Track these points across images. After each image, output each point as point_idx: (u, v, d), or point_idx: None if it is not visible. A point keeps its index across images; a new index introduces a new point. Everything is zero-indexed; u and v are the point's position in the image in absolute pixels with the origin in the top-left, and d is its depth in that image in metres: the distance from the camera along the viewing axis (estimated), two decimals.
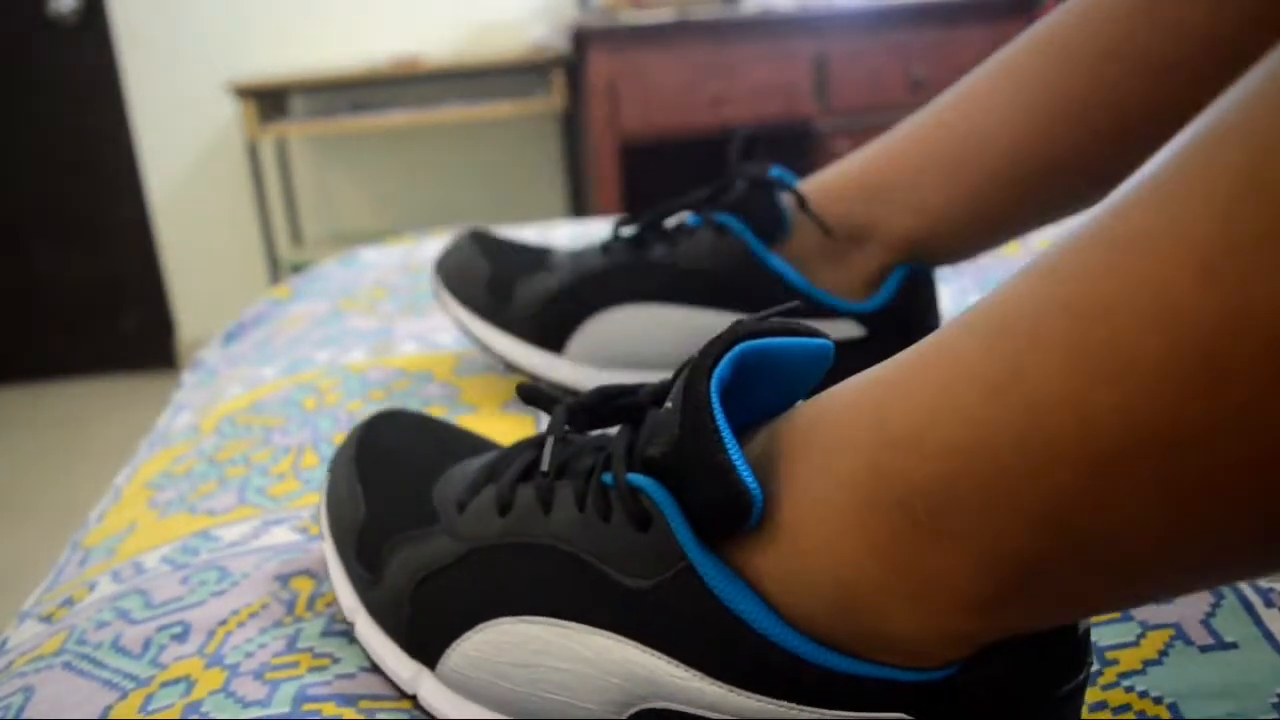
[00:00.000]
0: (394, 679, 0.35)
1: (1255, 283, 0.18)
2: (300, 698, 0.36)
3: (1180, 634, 0.36)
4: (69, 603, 0.45)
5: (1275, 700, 0.33)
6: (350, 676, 0.37)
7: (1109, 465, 0.21)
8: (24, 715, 0.37)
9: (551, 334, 0.58)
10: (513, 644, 0.31)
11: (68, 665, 0.39)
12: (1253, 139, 0.19)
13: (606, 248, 0.59)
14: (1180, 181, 0.20)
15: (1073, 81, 0.48)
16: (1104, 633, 0.37)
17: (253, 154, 2.46)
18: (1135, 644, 0.36)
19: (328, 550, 0.39)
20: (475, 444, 0.41)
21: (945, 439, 0.24)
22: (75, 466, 2.29)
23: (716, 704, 0.27)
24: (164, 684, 0.37)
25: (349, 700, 0.36)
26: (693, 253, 0.56)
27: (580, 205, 2.70)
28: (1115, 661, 0.35)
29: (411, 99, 2.54)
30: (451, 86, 2.57)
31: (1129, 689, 0.34)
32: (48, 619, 0.44)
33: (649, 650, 0.28)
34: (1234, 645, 0.35)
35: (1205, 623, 0.36)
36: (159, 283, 2.83)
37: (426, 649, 0.34)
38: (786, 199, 0.56)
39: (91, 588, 0.46)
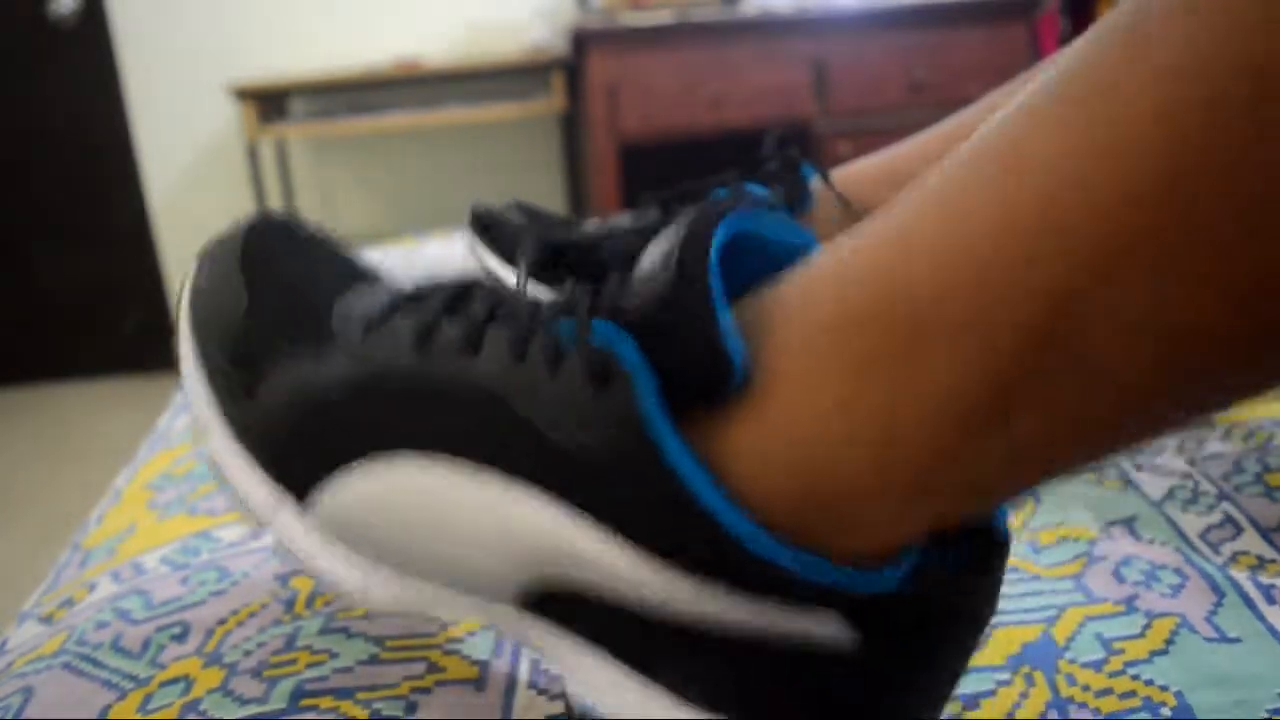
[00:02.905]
0: (249, 506, 0.30)
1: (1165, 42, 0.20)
2: (298, 693, 0.36)
3: (1185, 624, 0.36)
4: (69, 603, 0.45)
5: None
6: (348, 670, 0.37)
7: (1102, 241, 0.20)
8: (24, 715, 0.37)
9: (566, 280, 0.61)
10: (404, 483, 0.27)
11: (68, 666, 0.39)
12: None
13: (637, 215, 0.63)
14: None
15: None
16: (1110, 625, 0.37)
17: (252, 155, 2.46)
18: (1141, 635, 0.36)
19: (183, 345, 0.32)
20: (385, 274, 0.36)
21: (933, 238, 0.23)
22: (75, 468, 2.29)
23: (624, 573, 0.25)
24: (163, 683, 0.37)
25: (346, 693, 0.35)
26: None
27: (580, 206, 2.70)
28: (1121, 651, 0.35)
29: (411, 100, 2.54)
30: (451, 88, 2.57)
31: (1135, 676, 0.34)
32: (48, 619, 0.44)
33: (567, 504, 0.25)
34: (1237, 640, 0.35)
35: (1209, 619, 0.36)
36: (159, 284, 2.83)
37: (298, 478, 0.29)
38: (815, 182, 0.61)
39: (91, 588, 0.46)
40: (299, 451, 0.29)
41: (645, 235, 0.61)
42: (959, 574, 0.25)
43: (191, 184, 2.74)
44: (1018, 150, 0.22)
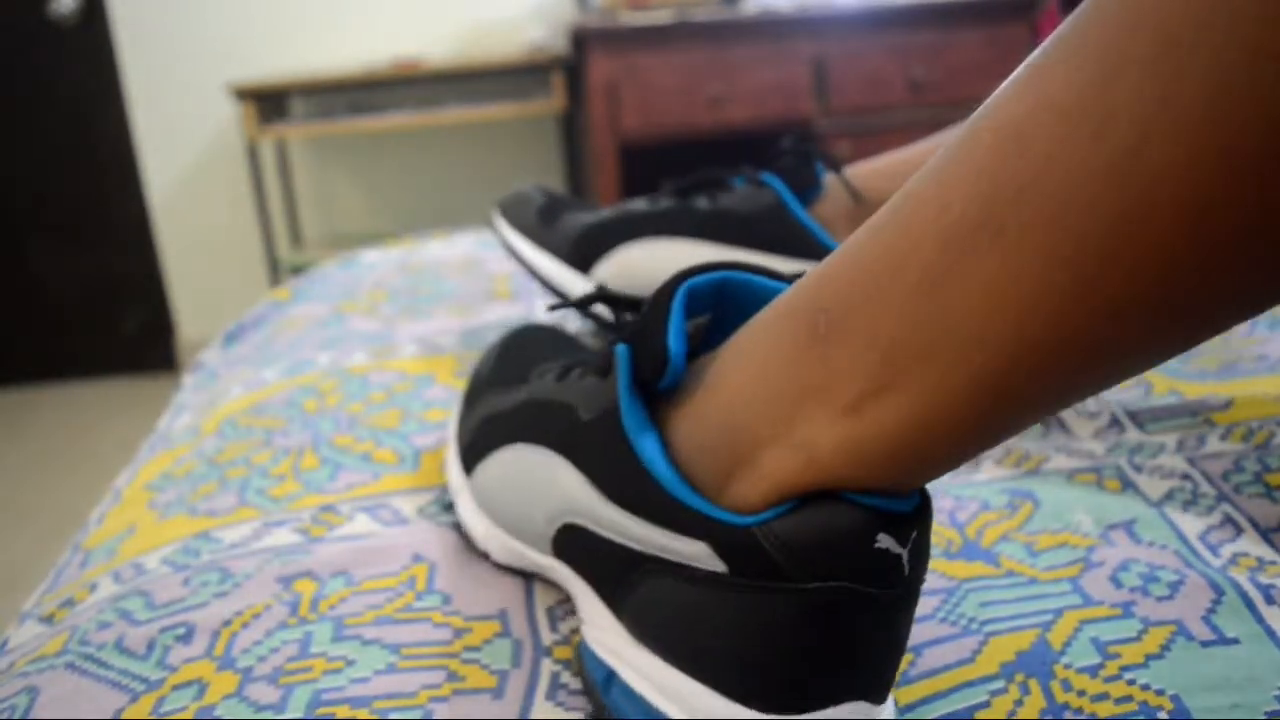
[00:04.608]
0: (450, 478, 0.48)
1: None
2: (315, 702, 0.36)
3: (1182, 630, 0.36)
4: (70, 603, 0.45)
5: (1278, 693, 0.33)
6: (365, 680, 0.37)
7: (959, 238, 0.26)
8: (31, 715, 0.37)
9: (584, 256, 0.64)
10: (510, 461, 0.41)
11: (71, 666, 0.39)
12: None
13: (654, 199, 0.64)
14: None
15: None
16: (1107, 628, 0.37)
17: (252, 155, 2.46)
18: (1137, 639, 0.36)
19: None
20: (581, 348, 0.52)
21: (851, 260, 0.29)
22: (75, 468, 2.29)
23: (603, 520, 0.34)
24: (175, 687, 0.37)
25: (363, 703, 0.36)
26: (728, 201, 0.62)
27: None
28: (1117, 655, 0.35)
29: (411, 101, 2.54)
30: (451, 88, 2.58)
31: (1131, 681, 0.34)
32: (48, 619, 0.44)
33: (576, 469, 0.36)
34: (1235, 641, 0.35)
35: (1206, 619, 0.37)
36: (159, 284, 2.83)
37: (469, 462, 0.45)
38: (828, 176, 0.63)
39: (92, 589, 0.46)
40: (474, 445, 0.45)
41: (650, 215, 0.63)
42: (823, 540, 0.29)
43: (191, 184, 2.74)
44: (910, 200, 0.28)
